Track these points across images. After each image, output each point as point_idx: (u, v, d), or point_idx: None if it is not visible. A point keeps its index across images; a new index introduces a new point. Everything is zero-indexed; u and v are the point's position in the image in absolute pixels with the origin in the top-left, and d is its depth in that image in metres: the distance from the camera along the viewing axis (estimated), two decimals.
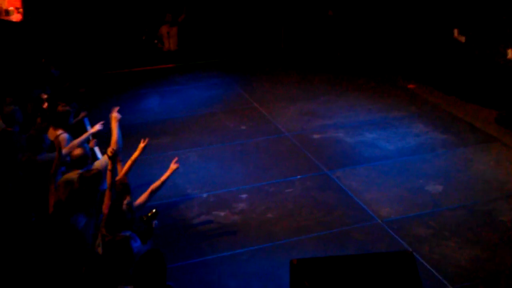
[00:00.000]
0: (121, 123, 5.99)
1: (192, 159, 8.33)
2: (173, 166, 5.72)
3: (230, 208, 7.08)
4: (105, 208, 4.94)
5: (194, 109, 10.13)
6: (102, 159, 5.82)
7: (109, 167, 5.03)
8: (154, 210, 5.19)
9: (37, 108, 7.23)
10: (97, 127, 6.50)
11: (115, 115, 5.92)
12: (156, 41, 12.45)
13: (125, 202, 4.87)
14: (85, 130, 7.14)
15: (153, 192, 5.57)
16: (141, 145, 5.77)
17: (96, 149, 7.12)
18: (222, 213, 6.96)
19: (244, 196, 7.33)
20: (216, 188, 7.52)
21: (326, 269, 4.35)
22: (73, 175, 5.42)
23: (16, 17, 10.97)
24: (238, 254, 6.22)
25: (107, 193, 4.99)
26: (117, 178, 5.32)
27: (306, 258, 4.57)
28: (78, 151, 5.65)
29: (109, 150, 5.08)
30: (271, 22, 13.13)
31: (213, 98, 10.64)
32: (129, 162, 5.64)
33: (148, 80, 11.60)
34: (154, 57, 12.40)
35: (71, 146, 6.08)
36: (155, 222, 5.16)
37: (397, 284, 4.29)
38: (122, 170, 5.60)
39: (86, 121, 7.96)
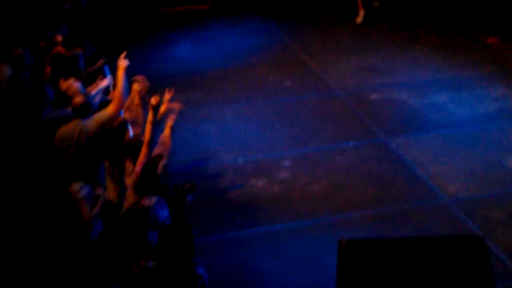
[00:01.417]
0: (146, 72, 6.02)
1: (227, 117, 8.35)
2: (121, 63, 5.76)
3: (270, 177, 7.10)
4: (138, 166, 5.00)
5: (231, 60, 10.13)
6: (105, 112, 5.81)
7: (150, 118, 5.13)
8: (191, 183, 5.21)
9: (48, 53, 7.28)
10: (107, 80, 6.54)
11: (122, 62, 5.94)
12: None
13: (161, 163, 4.91)
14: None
15: (165, 144, 5.58)
16: (167, 96, 5.80)
17: None
18: (260, 183, 6.99)
19: (286, 163, 7.34)
20: (254, 152, 7.55)
21: (380, 253, 4.32)
22: (73, 126, 5.46)
23: None
24: (277, 230, 6.26)
25: (144, 150, 5.07)
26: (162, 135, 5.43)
27: (356, 238, 4.54)
28: (79, 99, 5.64)
29: (153, 99, 5.19)
30: None
31: (253, 48, 10.62)
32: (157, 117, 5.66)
33: (179, 23, 11.62)
34: None
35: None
36: (190, 196, 5.19)
37: (465, 273, 4.25)
38: (147, 131, 5.61)
39: (106, 69, 8.01)
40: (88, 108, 5.59)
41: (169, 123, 5.67)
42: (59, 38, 7.35)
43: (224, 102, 8.75)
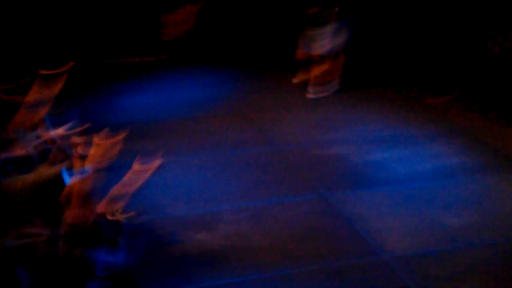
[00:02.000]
0: (94, 122, 5.90)
1: (171, 169, 8.28)
2: (135, 166, 5.60)
3: (212, 230, 7.03)
4: (68, 216, 4.87)
5: (177, 112, 10.15)
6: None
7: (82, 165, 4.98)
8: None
9: None
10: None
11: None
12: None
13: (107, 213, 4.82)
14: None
15: (113, 199, 5.47)
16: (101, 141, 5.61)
17: None
18: (202, 236, 6.92)
19: (228, 217, 7.30)
20: (196, 205, 7.50)
21: None
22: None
23: None
24: (219, 285, 6.17)
25: (74, 199, 4.91)
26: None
27: None
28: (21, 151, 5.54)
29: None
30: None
31: (201, 100, 10.66)
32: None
33: (130, 74, 11.63)
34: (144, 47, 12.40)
35: None
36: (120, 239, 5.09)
37: None
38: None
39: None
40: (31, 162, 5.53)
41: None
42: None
43: (169, 153, 8.68)
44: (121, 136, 5.73)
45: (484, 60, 10.45)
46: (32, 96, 6.61)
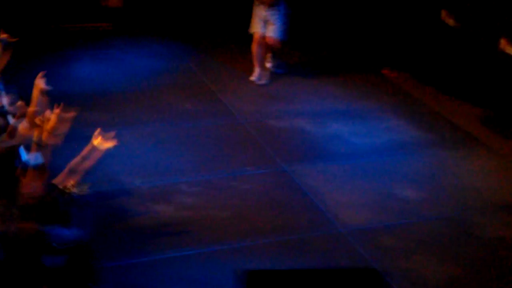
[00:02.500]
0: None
1: (127, 140, 8.23)
2: (94, 138, 5.48)
3: (169, 202, 7.06)
4: (24, 190, 4.74)
5: (133, 81, 10.02)
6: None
7: (35, 139, 4.81)
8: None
9: None
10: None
11: (39, 82, 5.70)
12: None
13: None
14: None
15: (72, 172, 5.36)
16: (57, 110, 5.22)
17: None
18: (159, 208, 6.95)
19: (186, 188, 7.33)
20: (154, 177, 7.50)
21: (281, 284, 4.41)
22: None
23: None
24: (177, 257, 6.22)
25: (31, 173, 4.74)
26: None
27: (258, 269, 4.62)
28: None
29: (37, 119, 4.82)
30: None
31: (156, 70, 10.56)
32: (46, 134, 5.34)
33: (81, 41, 11.40)
34: (90, 13, 12.17)
35: None
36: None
37: None
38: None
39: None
40: None
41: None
42: None
43: (124, 124, 8.64)
44: (75, 107, 5.63)
45: (440, 33, 10.54)
46: None
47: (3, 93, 6.79)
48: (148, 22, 12.45)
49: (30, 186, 4.71)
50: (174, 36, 11.99)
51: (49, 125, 5.19)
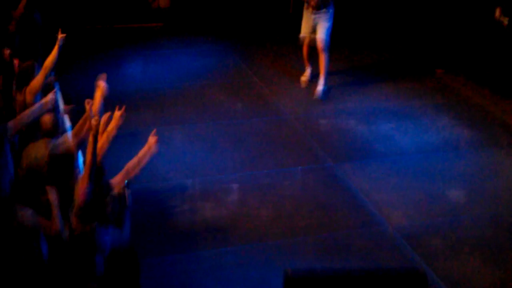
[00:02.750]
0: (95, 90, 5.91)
1: (176, 138, 8.35)
2: (151, 139, 5.51)
3: (217, 199, 7.12)
4: (80, 195, 4.72)
5: (182, 80, 10.14)
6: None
7: (91, 140, 4.73)
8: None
9: None
10: (50, 96, 6.13)
11: (100, 83, 5.77)
12: None
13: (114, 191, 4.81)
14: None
15: (129, 173, 5.50)
16: (117, 113, 5.50)
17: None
18: (207, 204, 7.00)
19: (234, 186, 7.38)
20: (203, 175, 7.55)
21: (324, 284, 4.40)
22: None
23: None
24: (223, 254, 6.27)
25: (85, 175, 4.71)
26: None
27: (301, 269, 4.61)
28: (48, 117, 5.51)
29: (93, 120, 4.75)
30: None
31: (206, 68, 10.65)
32: (105, 136, 5.49)
33: (131, 41, 11.59)
34: (140, 14, 12.36)
35: (19, 117, 5.78)
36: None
37: None
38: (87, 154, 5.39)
39: (56, 85, 7.93)
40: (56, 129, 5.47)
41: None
42: (7, 51, 7.21)
43: (174, 122, 8.75)
44: (127, 107, 5.71)
45: (494, 32, 10.37)
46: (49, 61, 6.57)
47: (59, 92, 6.94)
48: (197, 22, 12.58)
49: (86, 187, 4.76)
50: (223, 36, 12.09)
51: (109, 128, 5.35)
